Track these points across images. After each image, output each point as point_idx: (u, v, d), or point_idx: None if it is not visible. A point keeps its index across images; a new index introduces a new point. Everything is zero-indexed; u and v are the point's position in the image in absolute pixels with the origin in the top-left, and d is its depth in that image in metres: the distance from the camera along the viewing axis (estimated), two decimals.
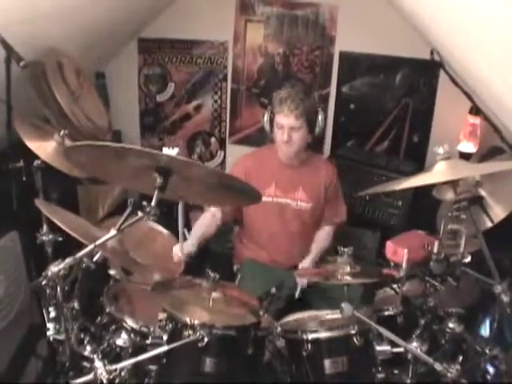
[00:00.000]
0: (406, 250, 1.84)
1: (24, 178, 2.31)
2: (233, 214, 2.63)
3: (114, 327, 1.99)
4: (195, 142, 3.97)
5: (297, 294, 2.35)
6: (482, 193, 1.95)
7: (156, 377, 1.82)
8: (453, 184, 1.79)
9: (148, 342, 1.86)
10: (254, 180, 2.46)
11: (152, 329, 1.90)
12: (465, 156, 3.11)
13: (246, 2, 3.51)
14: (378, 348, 1.83)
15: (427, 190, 2.12)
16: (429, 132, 3.44)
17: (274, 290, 1.94)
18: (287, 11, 3.46)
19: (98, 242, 1.57)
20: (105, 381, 1.64)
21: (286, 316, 2.08)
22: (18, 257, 2.59)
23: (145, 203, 1.53)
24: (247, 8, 3.53)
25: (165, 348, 1.74)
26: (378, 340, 1.84)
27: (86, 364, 1.85)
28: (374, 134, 3.56)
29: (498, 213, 1.93)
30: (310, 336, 1.84)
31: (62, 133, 2.34)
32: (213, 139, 3.94)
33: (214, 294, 1.84)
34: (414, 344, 1.81)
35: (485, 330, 2.20)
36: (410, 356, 1.80)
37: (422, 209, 2.78)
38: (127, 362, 1.74)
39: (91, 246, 1.57)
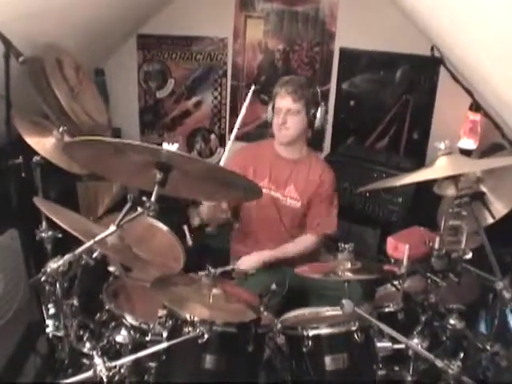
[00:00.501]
0: (407, 246, 1.83)
1: (23, 175, 2.31)
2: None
3: (113, 324, 1.98)
4: (195, 138, 3.97)
5: None
6: (483, 189, 1.94)
7: (156, 374, 1.81)
8: (454, 180, 1.79)
9: (148, 338, 1.85)
10: (249, 171, 2.48)
11: (152, 325, 1.89)
12: (465, 153, 3.09)
13: None
14: (379, 344, 1.82)
15: (428, 186, 2.11)
16: (429, 129, 3.43)
17: (274, 286, 1.94)
18: (287, 7, 3.45)
19: (97, 238, 1.56)
20: (104, 378, 1.63)
21: (287, 312, 2.07)
22: (17, 254, 2.58)
23: (144, 198, 1.52)
24: (247, 4, 3.52)
25: (165, 345, 1.74)
26: (378, 336, 1.83)
27: (85, 361, 1.85)
28: (374, 130, 3.55)
29: (500, 209, 1.93)
30: (311, 332, 1.84)
31: (61, 129, 2.33)
32: (212, 136, 3.93)
33: (215, 291, 1.83)
34: (415, 340, 1.80)
35: (486, 327, 2.20)
36: (410, 352, 1.79)
37: (423, 205, 2.78)
38: (127, 359, 1.73)
39: (90, 242, 1.56)
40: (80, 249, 1.58)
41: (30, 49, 2.42)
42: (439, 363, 1.68)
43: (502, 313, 1.98)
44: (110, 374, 1.65)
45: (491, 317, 2.19)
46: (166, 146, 1.55)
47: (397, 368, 1.87)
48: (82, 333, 1.91)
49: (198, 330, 1.71)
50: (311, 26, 3.46)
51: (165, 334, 1.81)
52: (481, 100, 2.64)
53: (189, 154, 3.96)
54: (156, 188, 1.53)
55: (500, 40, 1.59)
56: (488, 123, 2.69)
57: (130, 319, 1.95)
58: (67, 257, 1.59)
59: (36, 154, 2.23)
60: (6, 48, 2.21)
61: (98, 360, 1.67)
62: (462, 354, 1.78)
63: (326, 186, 2.53)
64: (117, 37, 3.64)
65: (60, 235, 2.20)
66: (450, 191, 1.86)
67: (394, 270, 1.92)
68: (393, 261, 1.95)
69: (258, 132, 3.63)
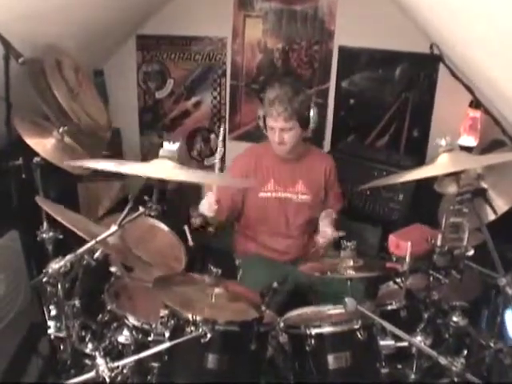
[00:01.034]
0: (409, 244, 1.82)
1: (23, 176, 2.30)
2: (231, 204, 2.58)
3: (115, 324, 1.98)
4: (195, 138, 3.96)
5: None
6: (484, 185, 1.94)
7: (158, 374, 1.81)
8: (456, 176, 1.78)
9: (150, 338, 1.84)
10: (252, 178, 2.49)
11: (154, 325, 1.89)
12: (465, 150, 3.08)
13: None
14: (382, 342, 1.82)
15: (428, 184, 2.11)
16: (429, 126, 3.42)
17: (275, 284, 1.93)
18: (286, 6, 3.44)
19: (98, 238, 1.56)
20: (107, 378, 1.63)
21: (289, 311, 2.07)
22: (18, 255, 2.58)
23: (146, 198, 1.52)
24: (246, 3, 3.51)
25: (167, 345, 1.74)
26: (381, 334, 1.83)
27: (87, 361, 1.85)
28: (373, 128, 3.54)
29: (501, 205, 1.92)
30: (314, 331, 1.83)
31: (61, 130, 2.33)
32: (212, 136, 3.93)
33: (217, 290, 1.83)
34: (418, 338, 1.79)
35: (489, 324, 2.19)
36: (414, 350, 1.79)
37: (424, 203, 2.78)
38: (129, 359, 1.73)
39: (92, 242, 1.56)
40: (81, 249, 1.58)
41: (29, 50, 2.42)
42: (443, 360, 1.68)
43: (505, 309, 1.97)
44: (113, 374, 1.65)
45: (493, 314, 2.18)
46: (166, 145, 1.55)
47: (400, 366, 1.87)
48: (83, 333, 1.90)
49: (200, 330, 1.71)
50: (310, 25, 3.45)
51: (167, 334, 1.80)
52: (481, 97, 2.64)
53: (189, 154, 3.98)
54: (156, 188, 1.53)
55: (500, 36, 1.59)
56: (488, 120, 2.68)
57: (131, 319, 1.94)
58: (68, 257, 1.59)
59: (36, 154, 2.23)
60: (5, 49, 2.21)
61: (100, 360, 1.67)
62: (465, 352, 1.78)
63: (332, 171, 2.66)
64: (116, 38, 3.64)
65: (61, 236, 2.20)
66: (452, 189, 1.86)
67: (396, 267, 1.91)
68: (395, 258, 1.94)
69: (258, 131, 3.60)
